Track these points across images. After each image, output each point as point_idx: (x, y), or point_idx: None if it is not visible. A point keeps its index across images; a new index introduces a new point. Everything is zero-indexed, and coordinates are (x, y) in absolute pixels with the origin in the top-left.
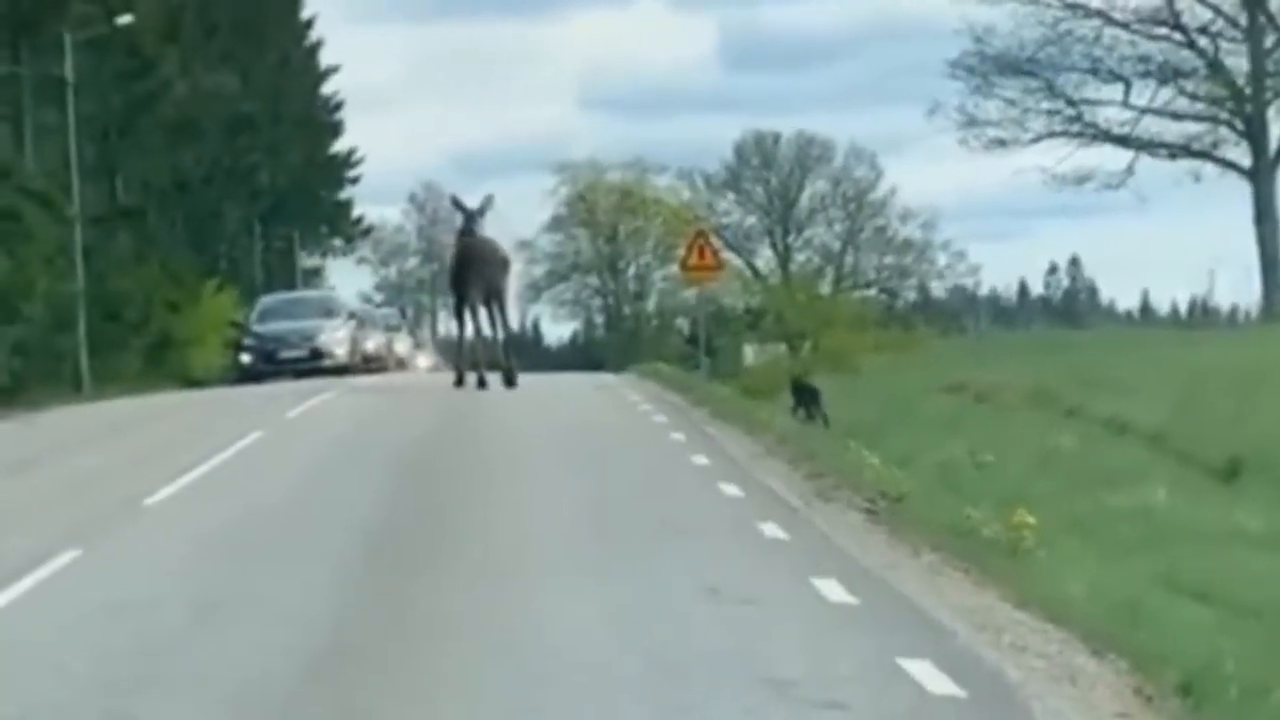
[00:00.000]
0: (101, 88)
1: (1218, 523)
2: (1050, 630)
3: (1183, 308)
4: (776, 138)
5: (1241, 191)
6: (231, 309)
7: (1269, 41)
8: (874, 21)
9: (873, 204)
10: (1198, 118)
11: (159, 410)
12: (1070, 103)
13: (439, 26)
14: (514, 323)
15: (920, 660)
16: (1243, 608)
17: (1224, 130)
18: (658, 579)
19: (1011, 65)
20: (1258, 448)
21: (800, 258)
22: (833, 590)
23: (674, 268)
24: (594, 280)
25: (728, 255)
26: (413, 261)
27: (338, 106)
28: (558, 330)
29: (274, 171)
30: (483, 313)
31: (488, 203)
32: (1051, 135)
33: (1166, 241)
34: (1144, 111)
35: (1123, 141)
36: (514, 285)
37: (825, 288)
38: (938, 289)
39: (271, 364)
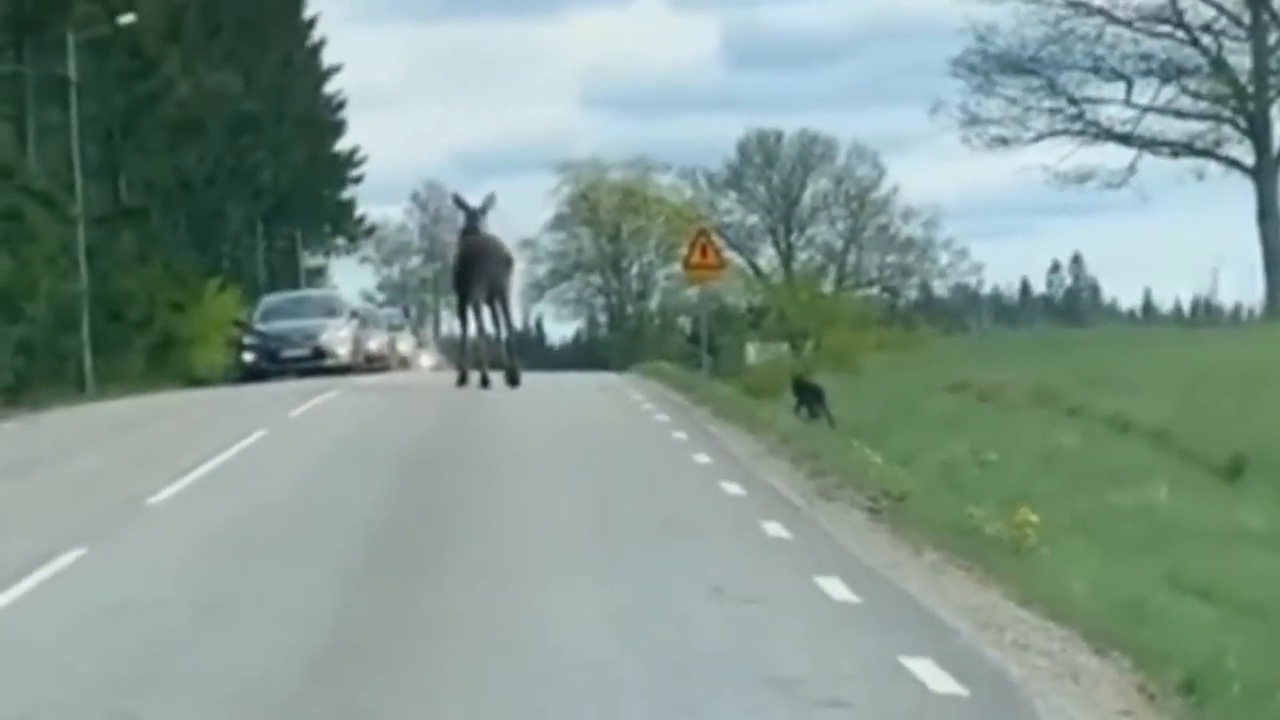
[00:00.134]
0: (104, 87)
1: (1220, 521)
2: (1053, 628)
3: (1185, 306)
4: (779, 136)
5: (1244, 190)
6: (234, 308)
7: (1272, 39)
8: (876, 20)
9: (875, 203)
10: (1200, 116)
11: (162, 410)
12: (1072, 101)
13: (441, 26)
14: (517, 322)
15: (923, 659)
16: (1245, 606)
17: (1227, 128)
18: (660, 578)
19: (1014, 64)
20: (1260, 446)
21: (803, 256)
22: (835, 589)
23: (676, 266)
24: (596, 279)
25: (730, 254)
26: (415, 260)
27: (340, 106)
28: (560, 329)
29: (277, 171)
30: (486, 312)
31: (489, 201)
32: (1054, 134)
33: (1169, 240)
34: (1146, 110)
35: (1125, 140)
36: (517, 284)
37: (827, 287)
38: (940, 288)
39: (274, 363)
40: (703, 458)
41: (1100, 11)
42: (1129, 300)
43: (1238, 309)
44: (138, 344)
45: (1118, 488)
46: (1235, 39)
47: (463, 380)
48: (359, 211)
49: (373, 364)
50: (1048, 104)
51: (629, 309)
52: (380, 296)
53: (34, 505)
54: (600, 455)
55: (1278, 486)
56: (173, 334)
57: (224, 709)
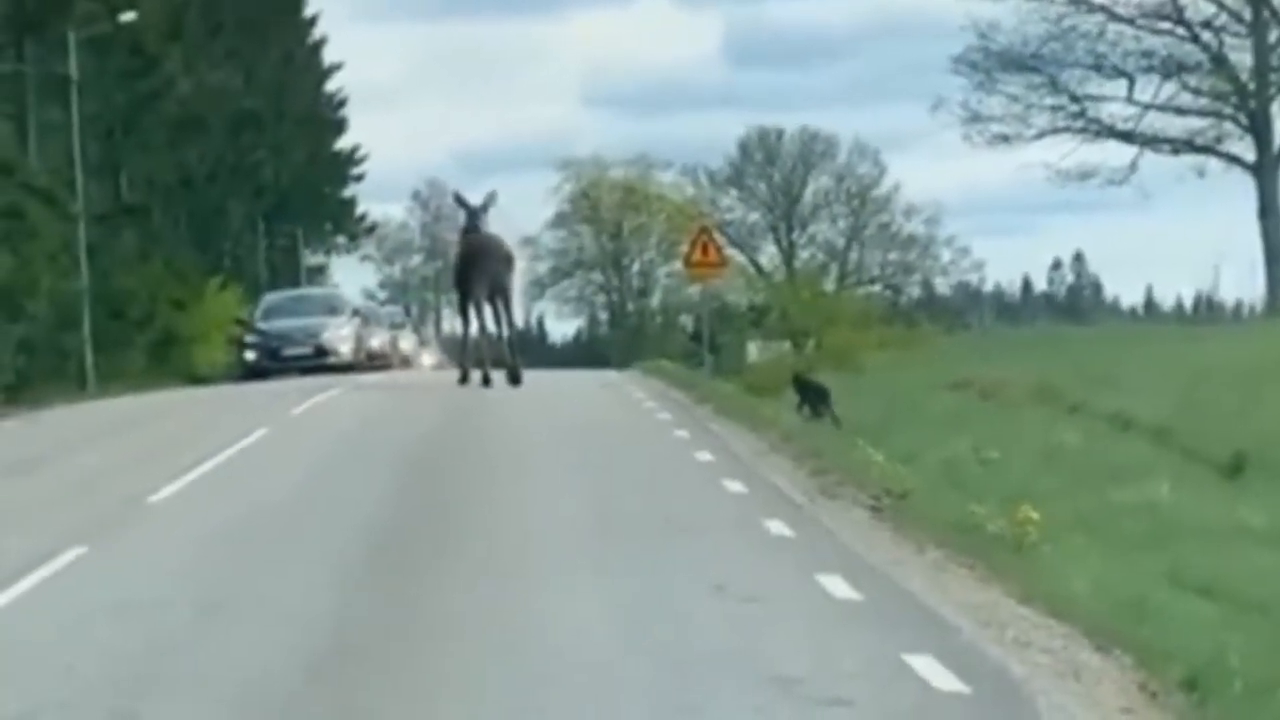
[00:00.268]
0: (105, 85)
1: (1222, 518)
2: (1054, 626)
3: (1187, 303)
4: (780, 134)
5: (1245, 186)
6: (236, 306)
7: (1273, 36)
8: (877, 18)
9: (876, 200)
10: (1201, 113)
11: (163, 408)
12: (1074, 98)
13: (442, 24)
14: (518, 320)
15: (925, 656)
16: (1247, 603)
17: (1228, 125)
18: (662, 576)
19: (1015, 61)
20: (1262, 443)
21: (804, 254)
22: (838, 587)
23: (678, 264)
24: (598, 277)
25: (731, 252)
26: (417, 259)
27: (341, 104)
28: (562, 327)
29: (278, 169)
30: (487, 310)
31: (490, 199)
32: (1055, 131)
33: (1170, 237)
34: (1147, 107)
35: (1126, 137)
36: (518, 282)
37: (829, 284)
38: (942, 285)
39: (276, 361)
40: (704, 456)
41: (1101, 8)
42: (1131, 297)
43: (1239, 306)
44: (139, 342)
45: (1119, 485)
46: (1236, 35)
47: (464, 378)
48: (360, 210)
49: (374, 362)
50: (1049, 101)
51: (630, 307)
52: (381, 295)
53: (34, 503)
54: (602, 453)
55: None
56: (174, 332)
57: (224, 708)
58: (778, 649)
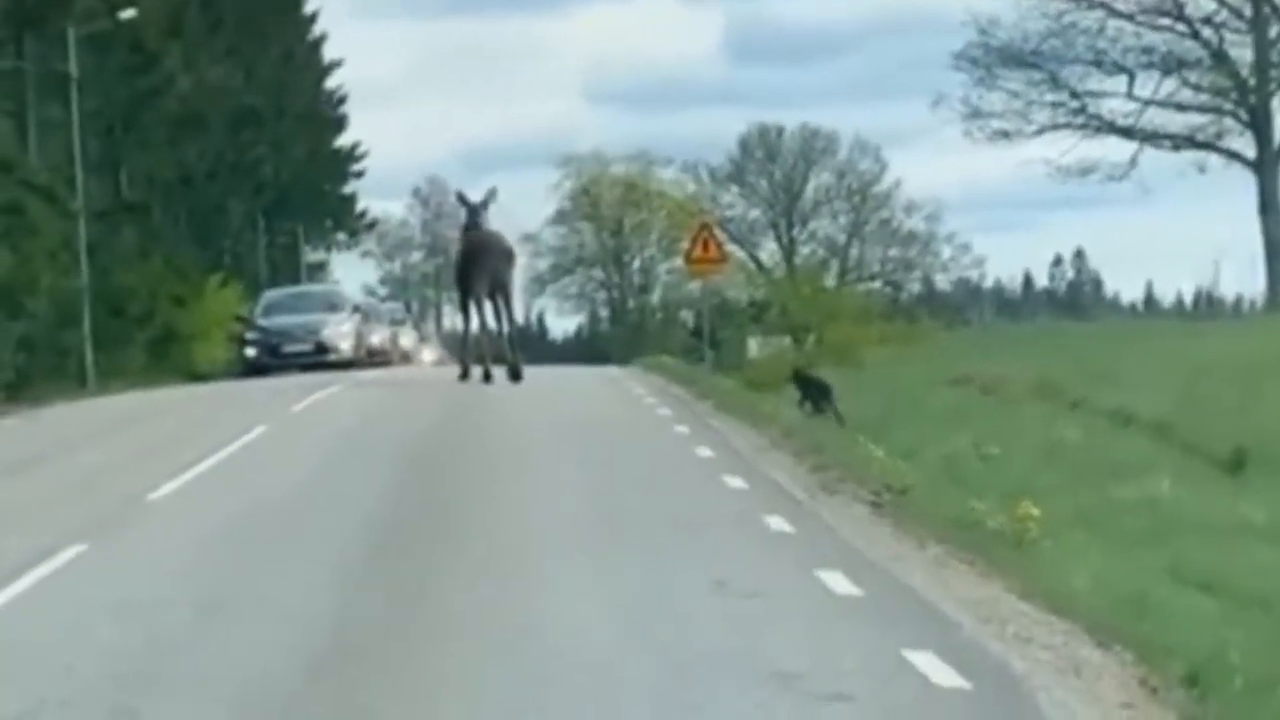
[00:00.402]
0: (105, 82)
1: (1223, 514)
2: (1055, 622)
3: (1187, 299)
4: (781, 131)
5: (1246, 182)
6: (236, 303)
7: (1273, 32)
8: (878, 15)
9: (877, 196)
10: (1201, 109)
11: (163, 405)
12: (1074, 94)
13: (443, 21)
14: (519, 316)
15: (925, 652)
16: (1248, 599)
17: (1228, 121)
18: (663, 572)
19: (1015, 57)
20: (1263, 439)
21: (805, 250)
22: (838, 583)
23: (678, 261)
24: (599, 273)
25: (732, 248)
26: (417, 255)
27: (342, 101)
28: (563, 323)
29: (278, 166)
30: (488, 306)
31: (491, 196)
32: (1055, 127)
33: (1171, 233)
34: (1148, 103)
35: (1127, 133)
36: (519, 279)
37: (830, 281)
38: (942, 281)
39: (276, 358)
40: (705, 451)
41: (1102, 5)
42: (1131, 293)
43: (1239, 301)
44: (139, 339)
45: (1120, 481)
46: (1236, 31)
47: (465, 375)
48: (360, 206)
49: (375, 359)
50: (1049, 97)
51: (631, 303)
52: (382, 291)
53: (34, 502)
54: (602, 449)
55: None
56: (174, 329)
57: (224, 707)
58: (778, 645)
